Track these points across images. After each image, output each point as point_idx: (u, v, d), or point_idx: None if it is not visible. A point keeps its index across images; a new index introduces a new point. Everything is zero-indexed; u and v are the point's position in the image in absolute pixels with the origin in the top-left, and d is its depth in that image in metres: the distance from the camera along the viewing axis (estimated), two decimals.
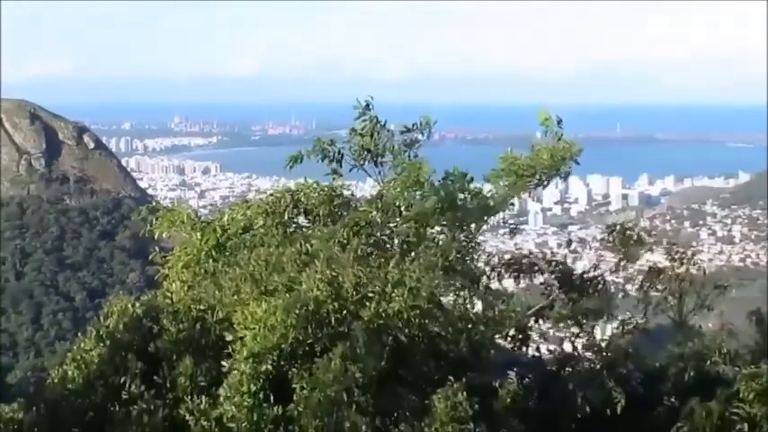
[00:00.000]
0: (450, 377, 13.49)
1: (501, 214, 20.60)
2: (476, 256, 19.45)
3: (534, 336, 20.00)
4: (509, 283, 21.09)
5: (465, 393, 13.25)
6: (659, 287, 20.25)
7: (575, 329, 19.77)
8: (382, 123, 18.57)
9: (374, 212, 18.22)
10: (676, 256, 20.29)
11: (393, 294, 14.76)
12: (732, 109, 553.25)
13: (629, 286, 22.16)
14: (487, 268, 20.05)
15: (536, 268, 20.62)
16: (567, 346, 19.80)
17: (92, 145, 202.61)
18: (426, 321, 14.87)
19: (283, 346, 13.73)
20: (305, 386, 13.31)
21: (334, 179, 18.83)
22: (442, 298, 16.95)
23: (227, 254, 17.73)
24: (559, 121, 18.91)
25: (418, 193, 18.47)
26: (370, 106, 18.45)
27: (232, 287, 15.44)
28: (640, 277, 20.60)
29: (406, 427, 13.46)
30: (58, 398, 15.09)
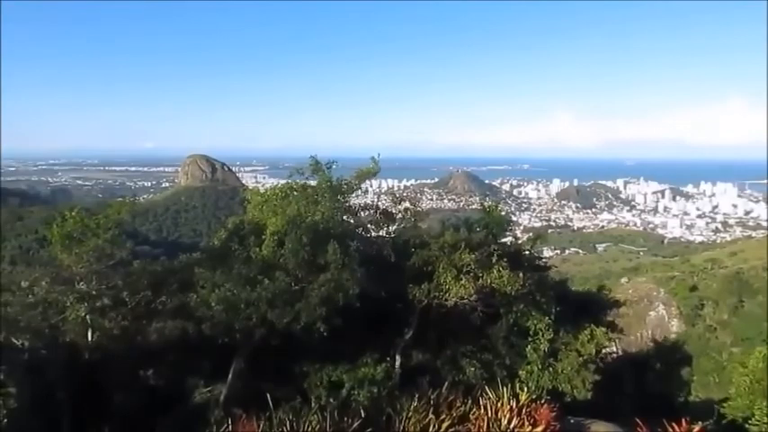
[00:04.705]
0: (335, 243, 18.85)
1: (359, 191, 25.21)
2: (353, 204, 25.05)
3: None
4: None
5: (338, 245, 18.60)
6: (409, 213, 25.61)
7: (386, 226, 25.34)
8: (318, 161, 23.81)
9: (313, 191, 23.36)
10: (414, 203, 26.79)
11: (316, 213, 21.80)
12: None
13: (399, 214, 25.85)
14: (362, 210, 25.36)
15: (371, 208, 25.35)
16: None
17: (226, 169, 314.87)
18: (331, 224, 21.38)
19: (280, 230, 19.72)
20: (288, 243, 18.68)
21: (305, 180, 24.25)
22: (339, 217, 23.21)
23: (266, 203, 23.30)
24: (376, 162, 24.63)
25: (326, 183, 23.45)
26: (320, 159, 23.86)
27: (266, 213, 22.47)
28: (402, 209, 25.77)
29: (320, 257, 18.79)
30: (212, 249, 21.48)
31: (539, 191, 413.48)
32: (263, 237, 20.22)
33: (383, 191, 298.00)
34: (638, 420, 12.54)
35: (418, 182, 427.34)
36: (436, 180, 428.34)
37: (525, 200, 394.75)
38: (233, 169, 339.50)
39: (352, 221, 24.99)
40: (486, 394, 14.28)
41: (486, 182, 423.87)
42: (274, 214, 21.86)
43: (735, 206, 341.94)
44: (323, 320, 17.65)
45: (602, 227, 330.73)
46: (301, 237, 19.01)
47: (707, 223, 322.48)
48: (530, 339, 24.62)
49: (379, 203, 26.03)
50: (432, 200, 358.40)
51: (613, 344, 31.08)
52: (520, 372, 24.28)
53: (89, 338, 18.56)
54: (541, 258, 31.78)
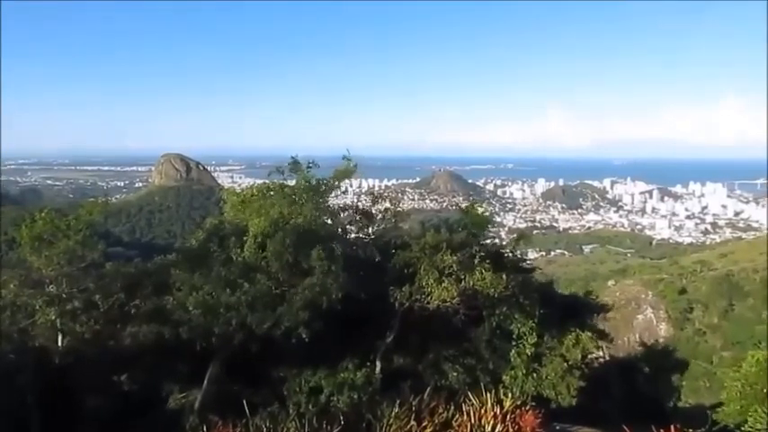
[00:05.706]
0: (320, 247, 18.76)
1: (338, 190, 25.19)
2: (332, 204, 25.05)
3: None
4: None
5: (323, 249, 18.55)
6: (389, 213, 25.71)
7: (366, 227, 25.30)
8: (298, 161, 24.08)
9: (291, 190, 23.44)
10: (394, 203, 26.40)
11: (299, 215, 21.69)
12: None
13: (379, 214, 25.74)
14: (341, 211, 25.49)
15: (351, 209, 25.56)
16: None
17: (201, 168, 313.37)
18: (314, 226, 21.40)
19: (263, 233, 19.39)
20: (271, 245, 18.58)
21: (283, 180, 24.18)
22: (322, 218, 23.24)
23: (244, 204, 23.56)
24: (350, 160, 24.64)
25: (305, 183, 23.68)
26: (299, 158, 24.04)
27: (248, 214, 22.47)
28: (382, 209, 25.75)
29: (303, 258, 18.81)
30: (190, 250, 21.22)
31: (523, 191, 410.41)
32: (245, 238, 19.97)
33: (363, 191, 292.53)
34: (625, 427, 12.38)
35: (399, 182, 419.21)
36: (418, 180, 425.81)
37: (510, 200, 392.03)
38: (208, 169, 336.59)
39: (330, 222, 24.91)
40: (470, 400, 14.01)
41: (470, 181, 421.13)
42: (258, 215, 21.68)
43: (724, 207, 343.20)
44: (305, 325, 17.42)
45: (589, 228, 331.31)
46: (285, 239, 18.84)
47: (696, 224, 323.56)
48: (513, 343, 24.47)
49: (359, 204, 25.96)
50: (413, 200, 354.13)
51: (600, 349, 31.03)
52: (504, 377, 24.15)
53: (59, 342, 18.36)
54: (526, 260, 31.69)
